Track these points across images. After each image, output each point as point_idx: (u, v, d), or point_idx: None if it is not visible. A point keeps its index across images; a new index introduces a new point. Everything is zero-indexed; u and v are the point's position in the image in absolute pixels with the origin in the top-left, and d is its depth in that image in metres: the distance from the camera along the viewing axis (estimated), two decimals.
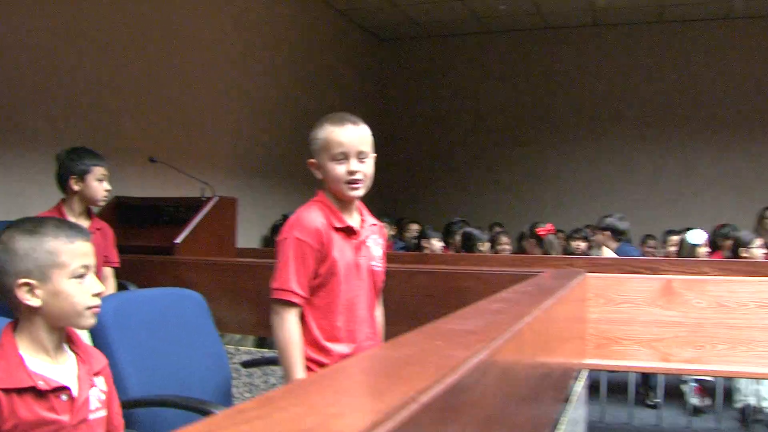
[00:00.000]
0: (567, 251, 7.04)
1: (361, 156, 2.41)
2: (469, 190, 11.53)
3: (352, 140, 2.39)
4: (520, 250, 7.37)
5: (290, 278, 2.36)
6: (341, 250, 2.43)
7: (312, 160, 2.47)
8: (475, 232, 7.16)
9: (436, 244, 6.93)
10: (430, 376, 0.91)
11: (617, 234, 6.16)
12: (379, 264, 2.57)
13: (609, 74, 11.18)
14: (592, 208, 10.10)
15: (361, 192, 2.44)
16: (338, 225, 2.45)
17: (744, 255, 5.93)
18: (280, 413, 0.74)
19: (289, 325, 2.35)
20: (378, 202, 10.53)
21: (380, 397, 0.82)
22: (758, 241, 6.07)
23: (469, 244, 6.99)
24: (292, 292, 2.36)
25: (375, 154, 2.48)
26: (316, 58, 9.98)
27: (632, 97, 11.04)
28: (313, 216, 2.42)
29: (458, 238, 7.10)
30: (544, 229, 7.30)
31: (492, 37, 11.63)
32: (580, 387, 3.16)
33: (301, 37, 9.61)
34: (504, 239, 7.18)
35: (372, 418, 0.72)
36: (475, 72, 11.78)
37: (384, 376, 0.97)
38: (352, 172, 2.38)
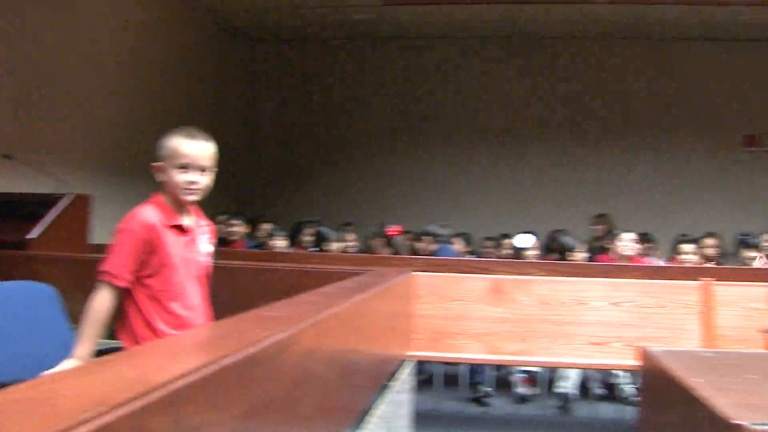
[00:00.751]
0: (414, 251, 7.41)
1: (202, 169, 2.71)
2: (327, 191, 11.81)
3: (196, 154, 2.70)
4: (369, 249, 7.71)
5: (116, 264, 2.68)
6: (173, 245, 2.75)
7: (157, 164, 2.76)
8: (326, 231, 7.46)
9: (278, 243, 7.17)
10: (232, 348, 1.20)
11: (437, 238, 6.73)
12: (207, 259, 2.89)
13: (463, 85, 11.69)
14: (441, 211, 10.60)
15: (195, 198, 2.77)
16: (171, 223, 2.77)
17: (570, 259, 6.47)
18: (112, 370, 1.03)
19: (102, 305, 2.66)
20: (235, 200, 10.73)
21: (189, 360, 1.11)
22: (581, 247, 6.64)
23: (320, 242, 7.30)
24: (114, 275, 2.68)
25: (216, 169, 2.79)
26: (179, 58, 10.05)
27: (482, 108, 11.60)
28: (147, 213, 2.73)
29: (306, 237, 7.37)
30: (392, 229, 7.68)
31: (352, 45, 11.94)
32: (404, 376, 3.50)
33: (166, 37, 9.66)
34: (350, 237, 7.49)
35: (178, 372, 1.01)
36: (336, 78, 12.07)
37: (198, 347, 1.26)
38: (191, 182, 2.68)
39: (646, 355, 2.54)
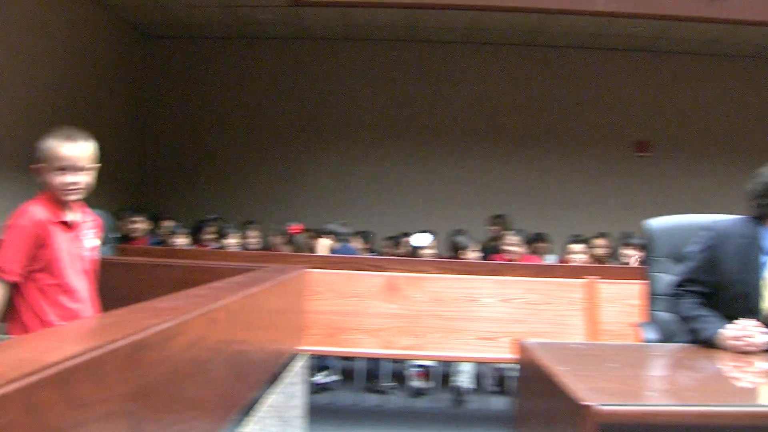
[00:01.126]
0: (313, 249, 7.55)
1: (80, 170, 2.82)
2: (230, 189, 11.79)
3: (74, 156, 2.82)
4: (270, 246, 7.82)
5: (6, 259, 2.78)
6: (61, 240, 2.86)
7: (36, 166, 2.85)
8: (227, 228, 7.55)
9: (180, 240, 7.23)
10: (120, 334, 1.33)
11: (338, 236, 6.92)
12: (93, 253, 3.00)
13: (360, 85, 11.85)
14: (341, 209, 10.77)
15: (76, 197, 2.89)
16: (58, 219, 2.88)
17: (463, 257, 6.71)
18: (5, 352, 1.14)
19: None
20: (137, 197, 10.68)
21: (79, 344, 1.23)
22: (475, 246, 6.89)
23: (221, 239, 7.39)
24: (4, 270, 2.78)
25: (99, 164, 2.90)
26: (78, 53, 9.91)
27: (381, 108, 11.78)
28: (36, 210, 2.85)
29: (208, 235, 7.45)
30: (294, 227, 7.80)
31: (254, 43, 11.96)
32: (297, 368, 3.63)
33: (66, 33, 9.53)
34: (252, 234, 7.58)
35: (68, 353, 1.13)
36: (238, 75, 12.07)
37: (88, 333, 1.37)
38: (71, 183, 2.79)
39: (522, 348, 2.72)
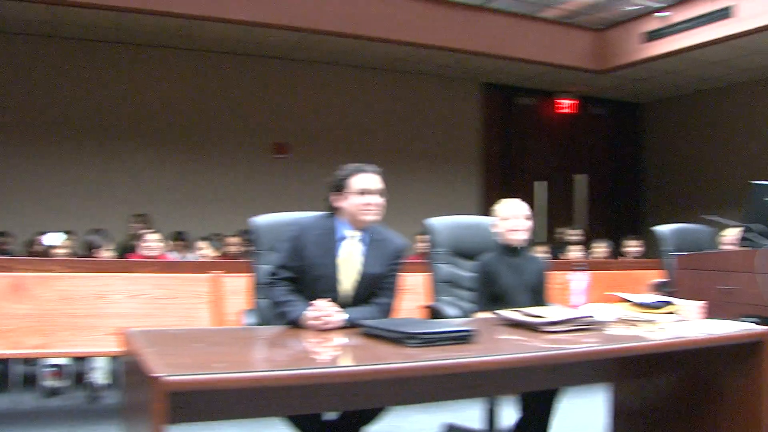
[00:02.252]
0: None
1: None
2: None
3: None
4: None
5: None
6: None
7: None
8: None
9: None
10: None
11: None
12: None
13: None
14: None
15: None
16: None
17: (96, 256, 6.83)
18: None
19: None
20: None
21: None
22: (108, 245, 7.05)
23: None
24: None
25: None
26: None
27: (21, 105, 11.34)
28: None
29: None
30: None
31: None
32: None
33: None
34: None
35: None
36: None
37: None
38: None
39: (126, 337, 2.99)
